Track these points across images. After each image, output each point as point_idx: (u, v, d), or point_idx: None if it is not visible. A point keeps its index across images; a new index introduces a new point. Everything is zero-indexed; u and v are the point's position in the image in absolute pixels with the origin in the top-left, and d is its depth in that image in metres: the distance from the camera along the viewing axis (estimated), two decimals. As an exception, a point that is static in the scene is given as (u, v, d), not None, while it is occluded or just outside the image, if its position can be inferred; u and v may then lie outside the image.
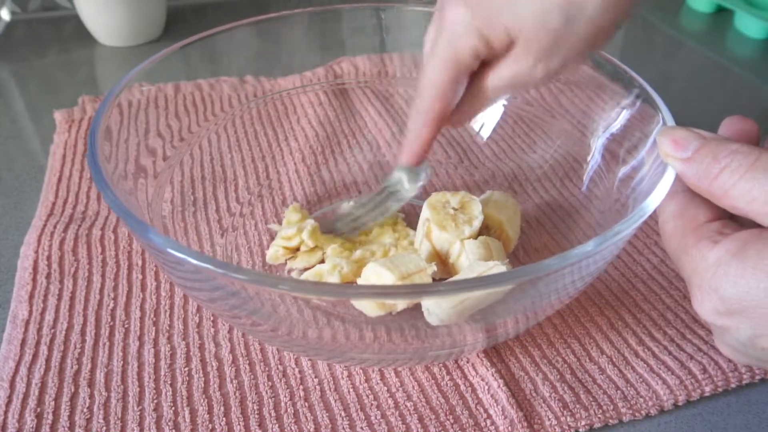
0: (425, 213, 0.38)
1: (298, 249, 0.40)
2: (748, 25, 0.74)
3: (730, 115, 0.31)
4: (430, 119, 0.34)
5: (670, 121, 0.32)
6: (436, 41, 0.32)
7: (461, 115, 0.35)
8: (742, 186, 0.25)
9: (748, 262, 0.25)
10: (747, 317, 0.25)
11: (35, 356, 0.34)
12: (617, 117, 0.38)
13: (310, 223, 0.40)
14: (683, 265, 0.28)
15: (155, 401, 0.32)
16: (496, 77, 0.31)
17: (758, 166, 0.25)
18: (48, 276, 0.38)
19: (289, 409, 0.32)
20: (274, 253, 0.40)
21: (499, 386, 0.32)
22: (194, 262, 0.24)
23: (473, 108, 0.34)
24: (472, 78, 0.33)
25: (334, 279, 0.37)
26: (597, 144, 0.40)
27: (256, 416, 0.31)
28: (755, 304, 0.25)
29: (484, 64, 0.32)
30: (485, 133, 0.50)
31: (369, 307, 0.34)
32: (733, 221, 0.28)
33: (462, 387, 0.33)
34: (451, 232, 0.37)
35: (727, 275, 0.25)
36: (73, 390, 0.32)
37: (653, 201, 0.28)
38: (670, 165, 0.28)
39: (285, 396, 0.32)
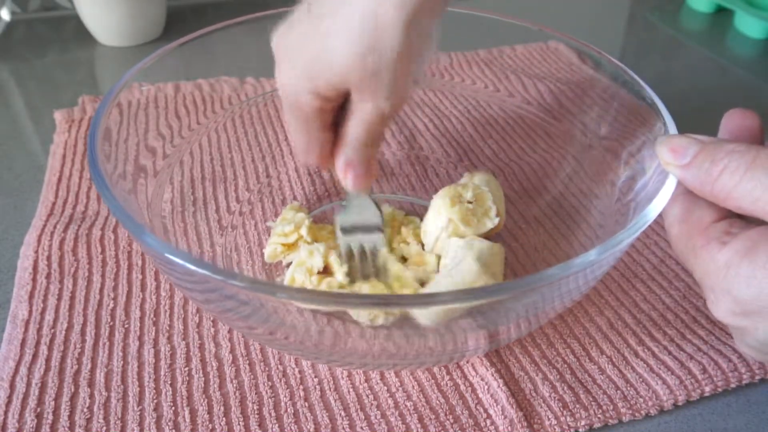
0: (443, 213, 0.36)
1: (295, 243, 0.40)
2: (748, 25, 0.74)
3: None
4: (324, 163, 0.33)
5: (672, 128, 0.32)
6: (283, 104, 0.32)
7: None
8: (743, 186, 0.25)
9: (758, 262, 0.25)
10: (763, 316, 0.25)
11: (35, 356, 0.34)
12: (621, 121, 0.38)
13: (302, 216, 0.40)
14: (693, 268, 0.28)
15: (155, 401, 0.32)
16: (353, 123, 0.30)
17: (758, 165, 0.25)
18: (48, 276, 0.38)
19: (289, 409, 0.32)
20: (273, 251, 0.40)
21: (498, 386, 0.32)
22: (191, 267, 0.24)
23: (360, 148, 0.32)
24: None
25: (315, 261, 0.37)
26: (599, 146, 0.40)
27: (256, 416, 0.31)
28: None
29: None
30: (485, 133, 0.50)
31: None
32: (739, 218, 0.27)
33: (462, 387, 0.33)
34: (474, 228, 0.35)
35: (738, 276, 0.25)
36: (73, 390, 0.32)
37: (655, 207, 0.27)
38: (671, 173, 0.28)
39: (285, 396, 0.32)
